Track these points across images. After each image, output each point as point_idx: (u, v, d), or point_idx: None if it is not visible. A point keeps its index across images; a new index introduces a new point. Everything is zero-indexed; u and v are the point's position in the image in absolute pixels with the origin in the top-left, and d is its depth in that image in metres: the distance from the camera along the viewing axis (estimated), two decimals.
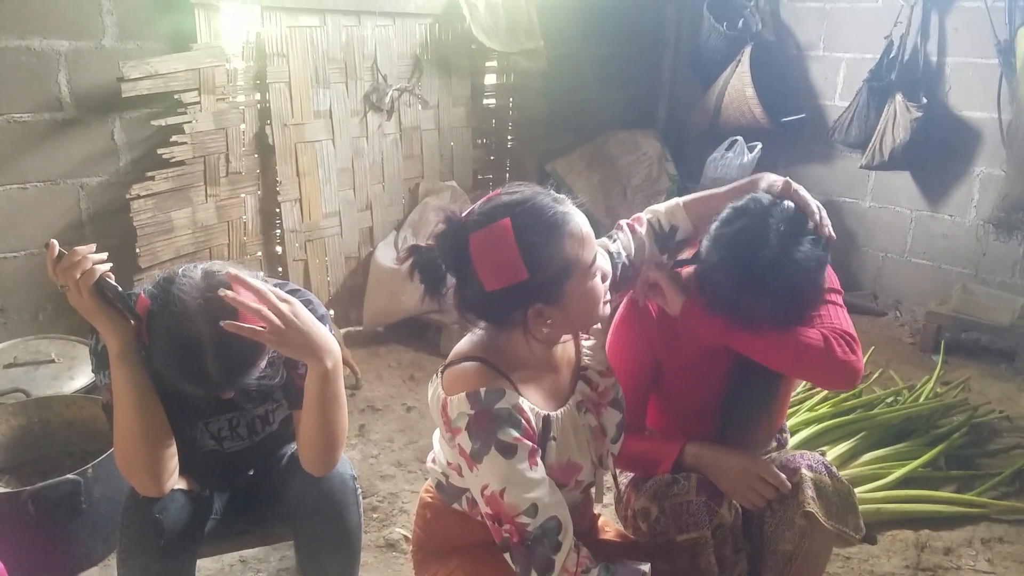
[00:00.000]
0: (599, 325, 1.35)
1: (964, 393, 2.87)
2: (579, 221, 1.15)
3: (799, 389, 2.81)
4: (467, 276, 1.13)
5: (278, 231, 3.07)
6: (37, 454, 2.10)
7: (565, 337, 1.29)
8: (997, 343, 3.29)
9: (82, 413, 2.11)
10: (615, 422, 1.31)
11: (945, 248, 3.59)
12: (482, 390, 1.11)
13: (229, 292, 1.18)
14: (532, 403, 1.18)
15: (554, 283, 1.12)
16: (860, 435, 2.42)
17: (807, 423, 2.49)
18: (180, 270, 1.25)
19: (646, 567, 1.15)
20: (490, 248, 1.10)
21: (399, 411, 2.72)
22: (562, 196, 1.16)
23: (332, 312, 3.26)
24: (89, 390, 2.25)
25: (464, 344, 1.21)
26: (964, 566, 1.98)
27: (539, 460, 1.13)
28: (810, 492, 1.36)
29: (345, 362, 2.83)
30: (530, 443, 1.12)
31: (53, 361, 2.34)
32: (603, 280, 1.19)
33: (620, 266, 1.38)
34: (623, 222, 1.47)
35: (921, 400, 2.69)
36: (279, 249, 3.09)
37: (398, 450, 2.46)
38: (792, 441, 2.36)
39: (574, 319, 1.17)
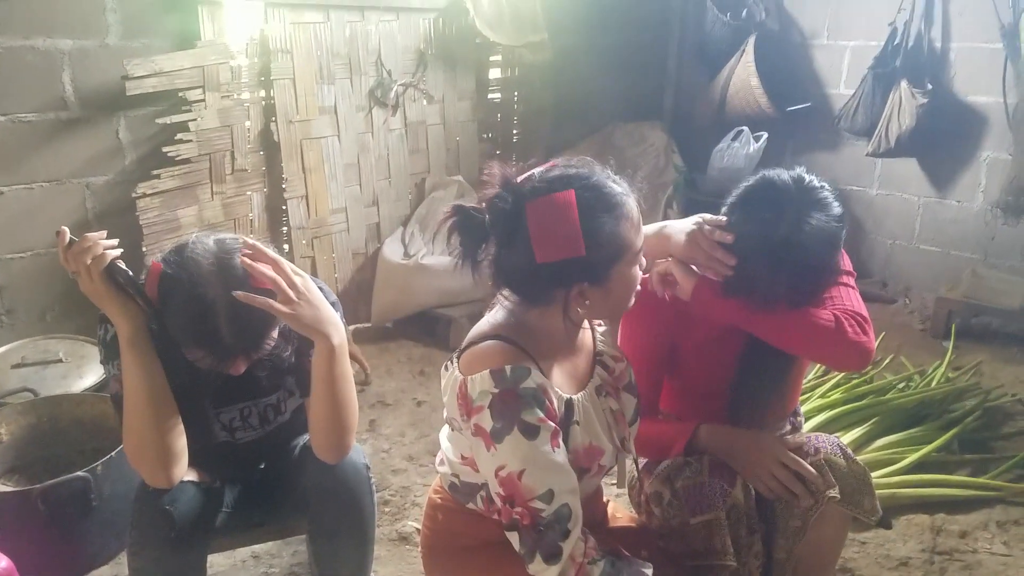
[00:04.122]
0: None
1: (976, 377, 2.86)
2: (634, 205, 1.14)
3: (811, 375, 2.79)
4: (517, 244, 1.08)
5: (285, 228, 3.07)
6: (47, 453, 2.08)
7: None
8: (1008, 327, 3.27)
9: (92, 411, 2.10)
10: (632, 406, 1.30)
11: (953, 233, 3.57)
12: (507, 368, 1.07)
13: (247, 259, 1.19)
14: (555, 385, 1.15)
15: (605, 264, 1.10)
16: (873, 420, 2.40)
17: (820, 409, 2.47)
18: (192, 237, 1.27)
19: (648, 570, 1.14)
20: (551, 218, 1.05)
21: (410, 405, 2.71)
22: (620, 178, 1.15)
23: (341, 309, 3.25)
24: (98, 388, 2.24)
25: (483, 324, 1.18)
26: (980, 549, 1.97)
27: (560, 443, 1.11)
28: (831, 477, 1.35)
29: (354, 357, 2.83)
30: (553, 424, 1.09)
31: (61, 361, 2.33)
32: (640, 268, 1.19)
33: None
34: None
35: (933, 385, 2.68)
36: (286, 246, 3.09)
37: (409, 444, 2.46)
38: (805, 427, 2.35)
39: (611, 304, 1.16)
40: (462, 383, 1.11)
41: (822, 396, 2.57)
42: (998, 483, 2.20)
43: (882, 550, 1.97)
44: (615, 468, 1.30)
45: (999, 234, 3.43)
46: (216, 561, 1.89)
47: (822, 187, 1.30)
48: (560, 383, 1.17)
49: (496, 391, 1.07)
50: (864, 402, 2.49)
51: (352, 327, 3.19)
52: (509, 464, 1.07)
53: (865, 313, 1.35)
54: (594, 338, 1.30)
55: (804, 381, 2.73)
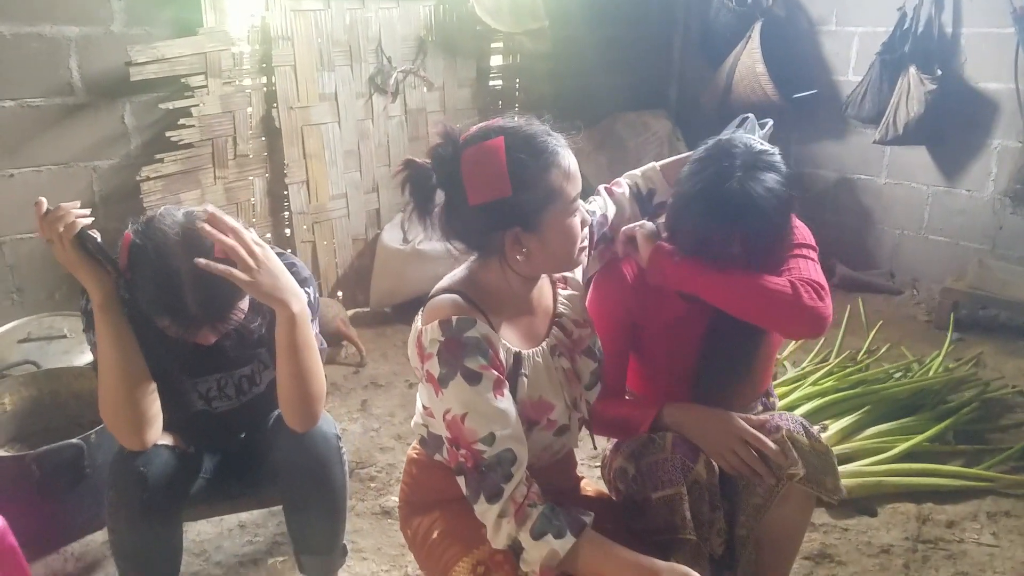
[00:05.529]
0: (574, 273, 1.37)
1: (977, 368, 2.81)
2: (568, 156, 1.19)
3: (804, 364, 2.77)
4: (455, 190, 1.16)
5: (286, 213, 3.12)
6: (47, 424, 2.16)
7: (543, 280, 1.32)
8: (1016, 319, 3.21)
9: (89, 385, 2.16)
10: (590, 370, 1.33)
11: (963, 224, 3.50)
12: (454, 318, 1.15)
13: (207, 225, 1.22)
14: (505, 339, 1.21)
15: (535, 207, 1.15)
16: (865, 409, 2.37)
17: (810, 397, 2.45)
18: (162, 209, 1.31)
19: (588, 517, 1.17)
20: (479, 162, 1.13)
21: (401, 387, 2.75)
22: (558, 133, 1.20)
23: (340, 294, 3.30)
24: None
25: (445, 280, 1.25)
26: (967, 539, 1.94)
27: (505, 392, 1.16)
28: (794, 455, 1.35)
29: (350, 340, 2.88)
30: (496, 373, 1.15)
31: (65, 336, 2.41)
32: (582, 226, 1.22)
33: (594, 224, 1.40)
34: (601, 187, 1.49)
35: (931, 374, 2.64)
36: (287, 231, 3.14)
37: (398, 424, 2.50)
38: (796, 413, 2.33)
39: (550, 254, 1.19)
40: (419, 333, 1.18)
41: (814, 384, 2.55)
42: (990, 474, 2.16)
43: (864, 537, 1.95)
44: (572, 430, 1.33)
45: (1008, 224, 3.35)
46: (203, 529, 1.95)
47: (773, 152, 1.32)
48: (512, 339, 1.23)
49: (443, 339, 1.14)
50: (856, 390, 2.46)
51: (351, 311, 3.23)
52: (453, 408, 1.14)
53: (823, 282, 1.36)
54: (555, 301, 1.34)
55: (799, 370, 2.72)
